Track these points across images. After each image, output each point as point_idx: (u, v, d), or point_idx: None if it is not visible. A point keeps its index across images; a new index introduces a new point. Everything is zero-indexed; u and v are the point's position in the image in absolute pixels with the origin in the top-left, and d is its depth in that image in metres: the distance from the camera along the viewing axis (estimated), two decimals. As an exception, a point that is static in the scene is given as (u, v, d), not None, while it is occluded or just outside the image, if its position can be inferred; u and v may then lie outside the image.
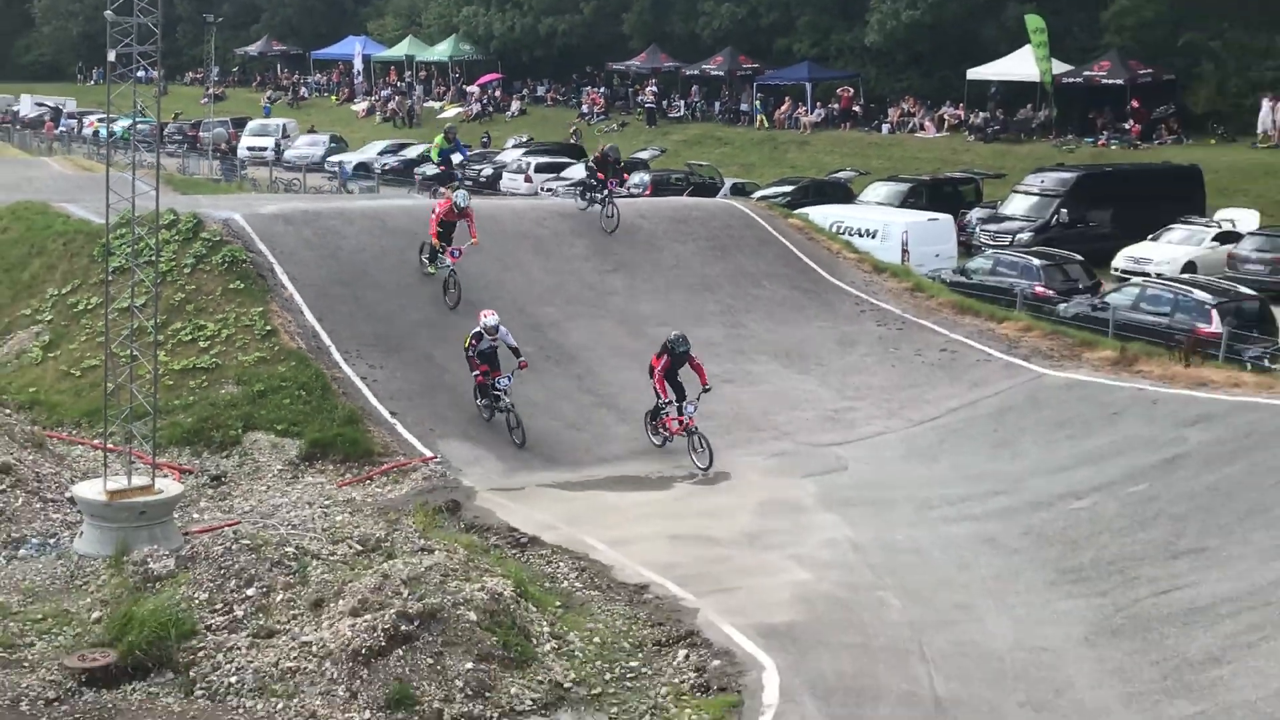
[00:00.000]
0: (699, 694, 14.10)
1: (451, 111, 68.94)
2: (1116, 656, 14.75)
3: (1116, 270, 34.42)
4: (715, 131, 59.24)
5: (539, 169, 49.66)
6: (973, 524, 18.77)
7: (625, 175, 31.92)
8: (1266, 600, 15.09)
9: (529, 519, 18.84)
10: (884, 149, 52.77)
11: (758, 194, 40.63)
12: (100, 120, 58.16)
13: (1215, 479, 18.47)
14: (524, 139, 59.19)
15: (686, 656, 14.90)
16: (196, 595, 15.39)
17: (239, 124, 65.82)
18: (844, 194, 42.05)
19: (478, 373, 21.72)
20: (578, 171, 48.19)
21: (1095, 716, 13.61)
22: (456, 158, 34.41)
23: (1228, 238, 36.14)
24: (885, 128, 55.39)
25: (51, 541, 17.89)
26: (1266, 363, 24.05)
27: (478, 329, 21.52)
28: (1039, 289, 29.89)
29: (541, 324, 25.47)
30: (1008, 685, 14.31)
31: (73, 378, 23.11)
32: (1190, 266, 34.07)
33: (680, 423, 21.34)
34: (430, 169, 43.18)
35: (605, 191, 29.25)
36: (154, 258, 21.24)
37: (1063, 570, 17.04)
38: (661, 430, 21.80)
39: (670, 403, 21.41)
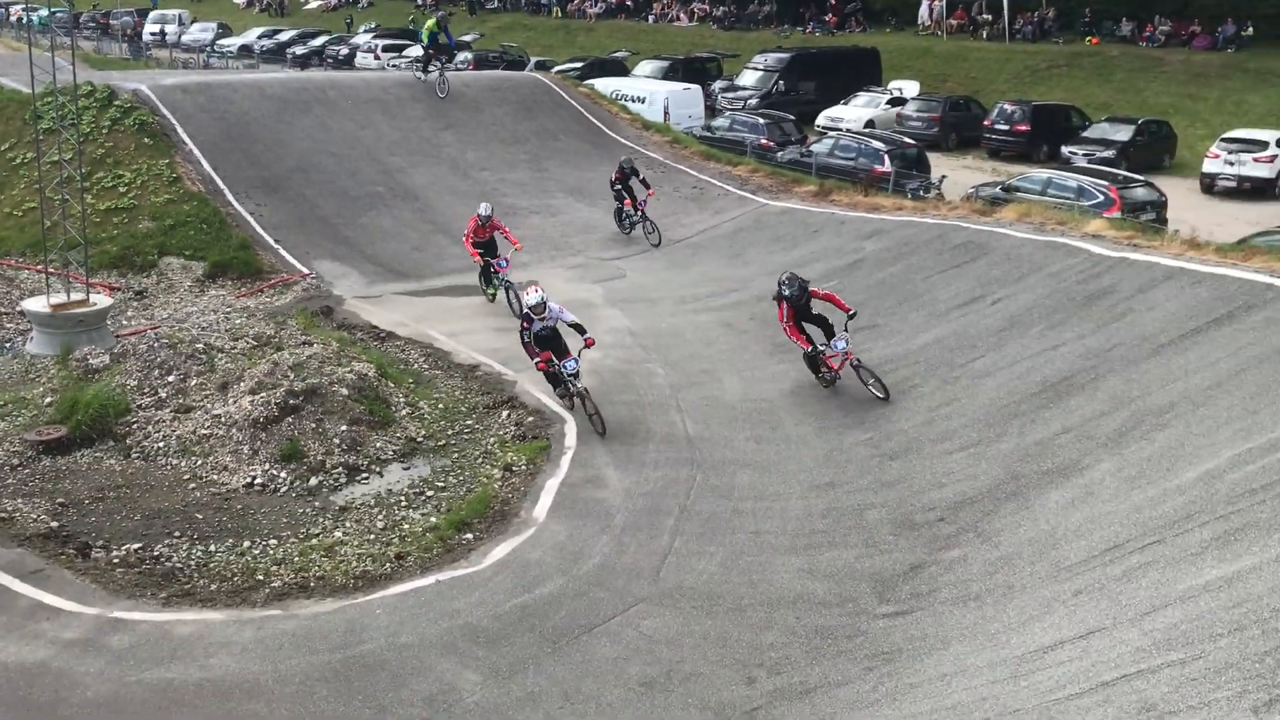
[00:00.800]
0: (518, 441, 14.29)
1: (315, 3, 65.08)
2: (813, 403, 15.34)
3: (818, 127, 34.83)
4: (522, 20, 57.34)
5: (385, 49, 47.47)
6: (715, 313, 19.15)
7: (650, 190, 23.28)
8: (917, 360, 15.83)
9: (386, 319, 18.57)
10: (650, 35, 51.89)
11: (555, 69, 39.62)
12: (23, 9, 53.23)
13: (883, 276, 19.04)
14: (373, 25, 56.38)
15: (508, 415, 15.05)
16: (128, 383, 14.89)
17: (143, 13, 61.09)
18: (620, 69, 41.28)
19: (538, 360, 14.59)
20: (415, 50, 46.14)
21: (798, 443, 14.23)
22: (445, 43, 28.67)
23: (897, 102, 36.81)
24: (651, 18, 54.39)
25: (7, 345, 17.06)
26: (921, 193, 24.79)
27: (525, 311, 14.70)
28: (763, 141, 30.09)
29: (390, 170, 24.73)
30: (738, 425, 14.84)
31: (15, 217, 21.64)
32: (870, 123, 34.64)
33: (839, 360, 15.16)
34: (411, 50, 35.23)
35: (638, 213, 22.97)
36: (75, 120, 19.94)
37: (777, 344, 17.50)
38: (824, 370, 15.44)
39: (815, 347, 15.26)
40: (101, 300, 17.40)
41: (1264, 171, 28.83)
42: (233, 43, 53.15)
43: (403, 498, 12.96)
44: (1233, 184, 28.85)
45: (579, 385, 14.51)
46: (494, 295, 19.32)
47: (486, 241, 19.15)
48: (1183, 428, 11.37)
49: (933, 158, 29.28)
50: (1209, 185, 29.24)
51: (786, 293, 15.22)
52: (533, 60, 44.02)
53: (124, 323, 18.20)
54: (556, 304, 14.66)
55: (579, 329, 14.52)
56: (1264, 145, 29.17)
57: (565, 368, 14.44)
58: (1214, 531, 8.97)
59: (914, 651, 9.62)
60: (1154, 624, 7.86)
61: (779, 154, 28.83)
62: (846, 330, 15.16)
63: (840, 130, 32.05)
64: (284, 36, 53.03)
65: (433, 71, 28.08)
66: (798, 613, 10.66)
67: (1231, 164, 28.97)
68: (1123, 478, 11.04)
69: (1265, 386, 11.28)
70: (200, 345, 16.00)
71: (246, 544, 11.83)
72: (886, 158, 26.78)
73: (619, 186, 23.19)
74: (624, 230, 23.40)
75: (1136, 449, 11.47)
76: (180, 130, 23.63)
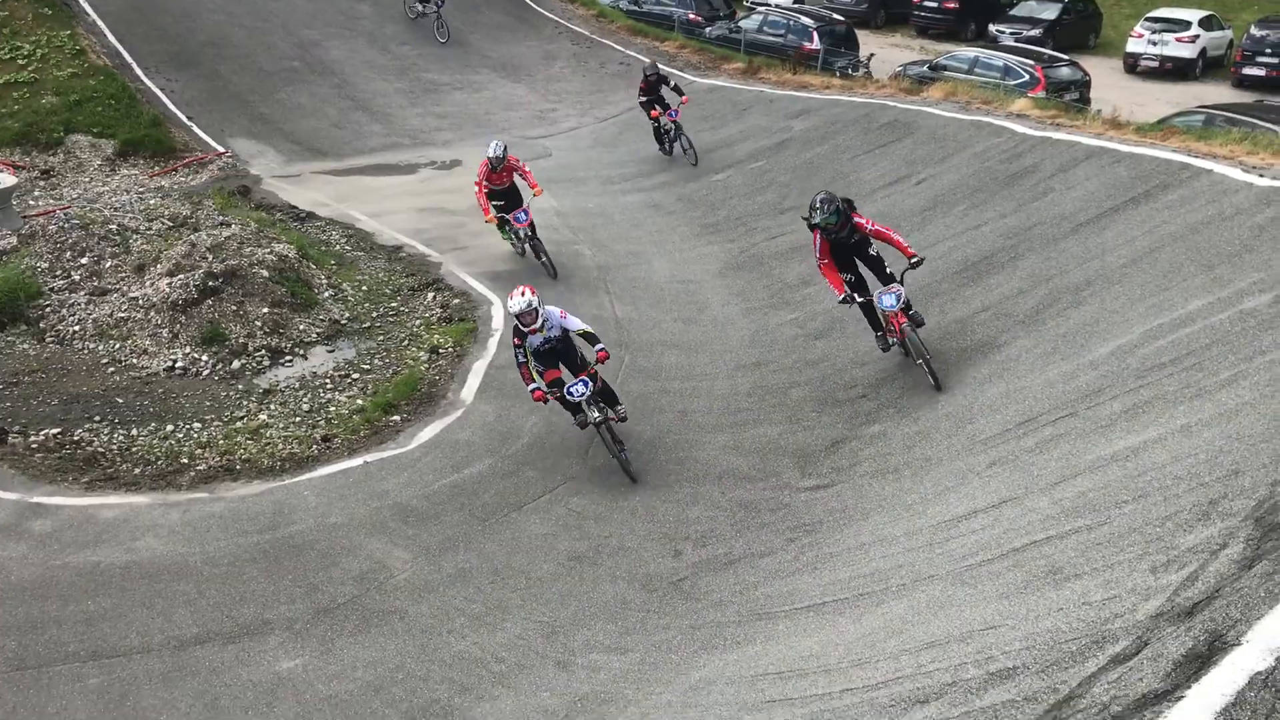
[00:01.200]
0: (444, 324, 14.23)
1: None
2: (740, 284, 15.47)
3: (747, 2, 34.27)
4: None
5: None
6: (642, 194, 19.06)
7: (684, 98, 20.11)
8: (842, 240, 15.98)
9: (305, 198, 18.18)
10: (575, -97, 50.29)
11: (477, -61, 38.31)
12: None
13: (810, 156, 19.01)
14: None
15: (434, 297, 14.95)
16: (39, 265, 14.48)
17: None
18: (544, -60, 40.08)
19: (535, 387, 10.84)
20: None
21: (724, 324, 14.37)
22: None
23: (827, -23, 36.27)
24: (575, -114, 52.64)
25: (-93, 227, 16.37)
26: (849, 71, 24.65)
27: (513, 322, 11.03)
28: (691, 16, 29.57)
29: (305, 43, 23.91)
30: (666, 306, 14.92)
31: (-93, 92, 20.63)
32: (800, -1, 34.20)
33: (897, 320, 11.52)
34: None
35: (673, 128, 20.00)
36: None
37: (704, 225, 17.57)
38: (887, 329, 11.89)
39: (849, 294, 11.59)
40: (4, 179, 16.74)
41: (1185, 52, 29.12)
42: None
43: (328, 380, 12.88)
44: (1155, 64, 29.12)
45: (594, 415, 10.99)
46: (524, 250, 15.81)
47: (505, 189, 15.33)
48: (1098, 304, 11.65)
49: (861, 35, 29.05)
50: (1132, 65, 29.48)
51: (817, 219, 11.06)
52: (453, -71, 42.45)
53: (31, 203, 17.58)
54: (556, 308, 11.13)
55: (590, 338, 11.05)
56: (1186, 25, 29.38)
57: (571, 393, 10.83)
58: (1123, 404, 9.29)
59: (834, 523, 9.93)
60: (1063, 493, 8.17)
61: (707, 30, 28.38)
62: (901, 280, 11.39)
63: (769, 6, 31.54)
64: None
65: (429, 11, 25.90)
66: (723, 488, 10.90)
67: (1154, 44, 29.19)
68: (1038, 354, 11.32)
69: (1176, 264, 11.58)
70: (114, 226, 15.55)
71: (170, 428, 11.72)
72: (815, 34, 26.51)
73: (645, 99, 20.08)
74: (665, 151, 20.31)
75: (1053, 325, 11.74)
76: (81, -1, 22.60)
